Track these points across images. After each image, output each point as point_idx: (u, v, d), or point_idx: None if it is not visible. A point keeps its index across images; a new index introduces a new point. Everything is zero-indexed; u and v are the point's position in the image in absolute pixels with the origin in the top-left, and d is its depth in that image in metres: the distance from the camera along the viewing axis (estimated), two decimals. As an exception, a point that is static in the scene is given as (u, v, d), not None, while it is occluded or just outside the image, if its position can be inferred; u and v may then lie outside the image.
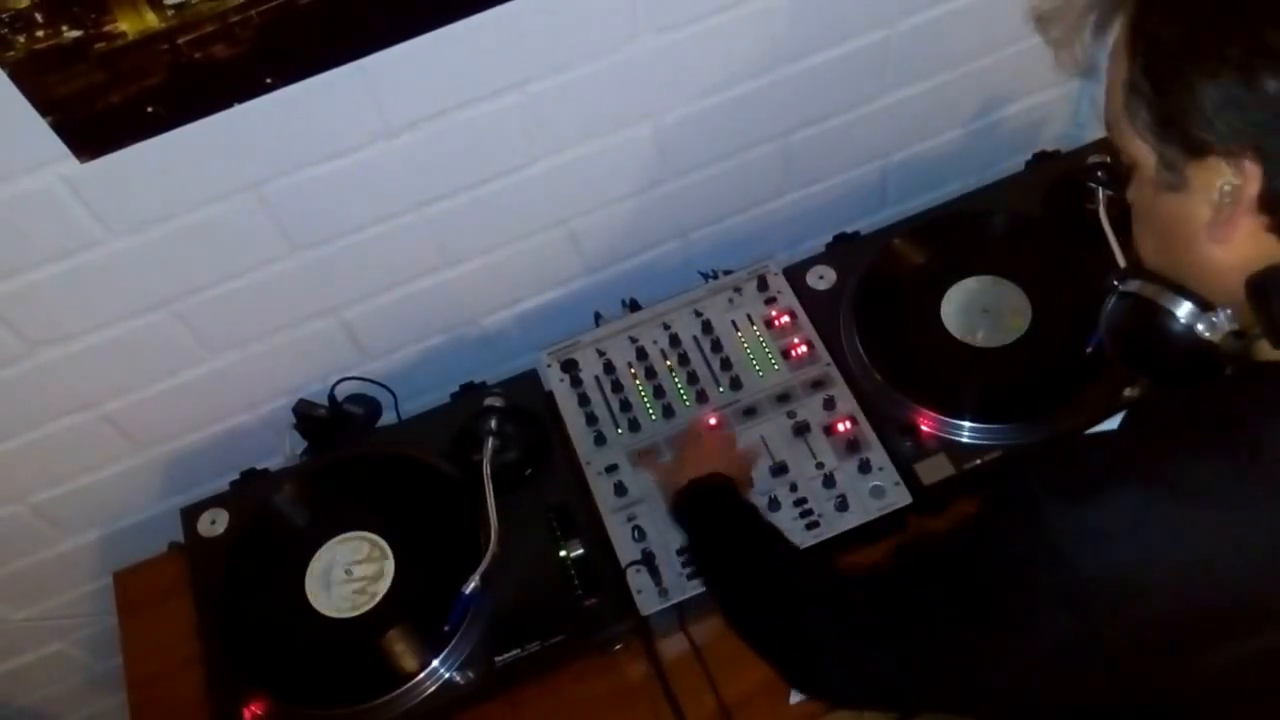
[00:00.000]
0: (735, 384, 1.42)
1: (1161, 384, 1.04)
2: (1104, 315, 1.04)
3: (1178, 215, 0.83)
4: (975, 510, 0.91)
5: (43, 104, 1.05)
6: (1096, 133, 1.66)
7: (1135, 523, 0.76)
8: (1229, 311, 0.89)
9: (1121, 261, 1.32)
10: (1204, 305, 0.91)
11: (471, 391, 1.51)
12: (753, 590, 1.13)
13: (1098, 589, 0.77)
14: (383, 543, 1.38)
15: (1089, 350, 1.26)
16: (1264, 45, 0.73)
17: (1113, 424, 0.83)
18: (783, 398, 1.40)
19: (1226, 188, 0.78)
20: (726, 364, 1.44)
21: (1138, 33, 0.80)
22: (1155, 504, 0.77)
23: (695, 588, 1.27)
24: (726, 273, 1.54)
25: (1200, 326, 0.91)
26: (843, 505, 1.31)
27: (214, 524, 1.44)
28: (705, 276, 1.56)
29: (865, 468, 1.33)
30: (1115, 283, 1.02)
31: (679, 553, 1.30)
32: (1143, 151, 0.83)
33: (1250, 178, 0.76)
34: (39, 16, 0.99)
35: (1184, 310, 0.92)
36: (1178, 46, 0.77)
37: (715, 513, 1.23)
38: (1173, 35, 0.77)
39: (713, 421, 1.39)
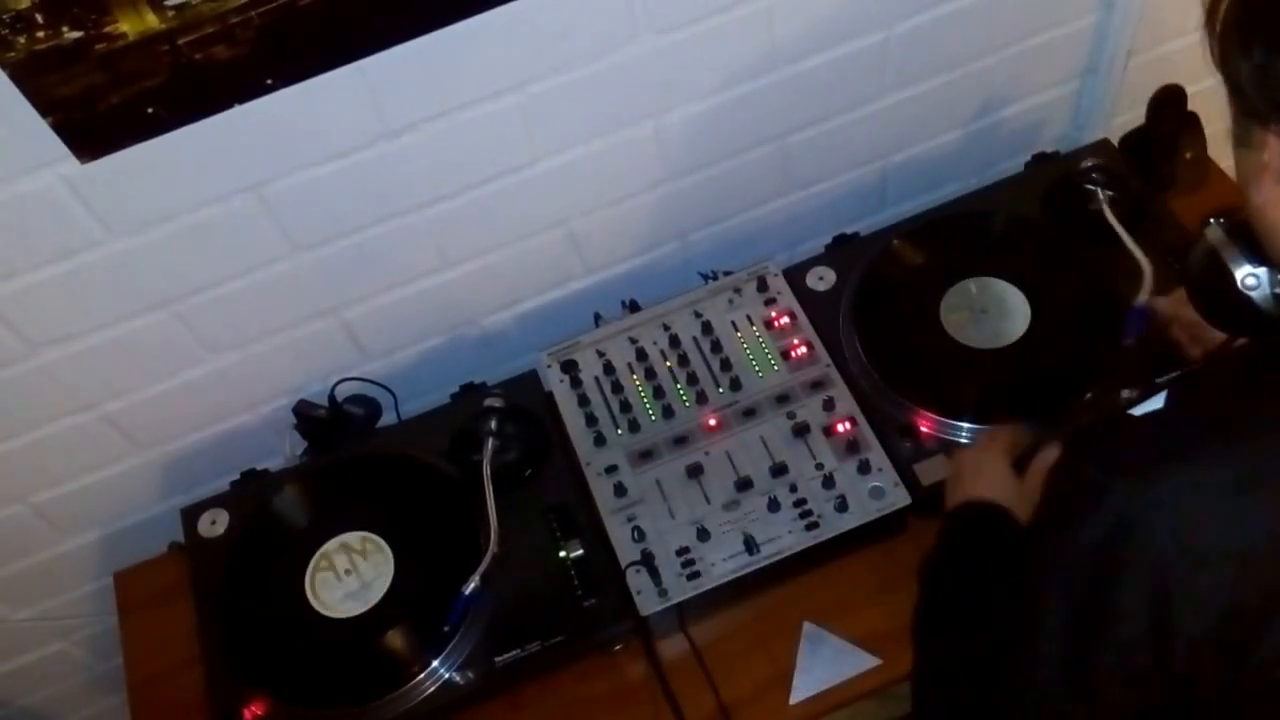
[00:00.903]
0: (735, 385, 1.42)
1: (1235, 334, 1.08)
2: (1190, 261, 1.08)
3: (1251, 171, 0.81)
4: (1040, 518, 0.89)
5: (43, 105, 1.05)
6: (1095, 134, 1.67)
7: (1204, 495, 0.75)
8: None
9: (1142, 261, 1.33)
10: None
11: (471, 392, 1.50)
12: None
13: (1173, 556, 0.74)
14: (383, 543, 1.38)
15: (1127, 342, 1.31)
16: None
17: (1157, 403, 0.82)
18: (782, 398, 1.40)
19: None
20: (726, 365, 1.44)
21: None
22: (1222, 478, 0.75)
23: (695, 588, 1.27)
24: (726, 273, 1.54)
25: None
26: (842, 506, 1.31)
27: (214, 524, 1.44)
28: (705, 277, 1.56)
29: (865, 468, 1.33)
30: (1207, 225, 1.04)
31: (678, 553, 1.30)
32: (1232, 114, 0.81)
33: None
34: (39, 17, 0.99)
35: (1244, 271, 0.97)
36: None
37: (979, 548, 1.12)
38: None
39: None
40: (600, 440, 1.41)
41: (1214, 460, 0.76)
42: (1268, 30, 0.74)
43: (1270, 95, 0.75)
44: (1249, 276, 0.98)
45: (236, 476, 1.50)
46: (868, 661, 1.30)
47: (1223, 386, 0.83)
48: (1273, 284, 0.96)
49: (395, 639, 1.31)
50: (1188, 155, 1.51)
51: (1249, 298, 0.98)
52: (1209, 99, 1.62)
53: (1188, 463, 0.76)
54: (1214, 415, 0.79)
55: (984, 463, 1.20)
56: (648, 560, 1.30)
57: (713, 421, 1.40)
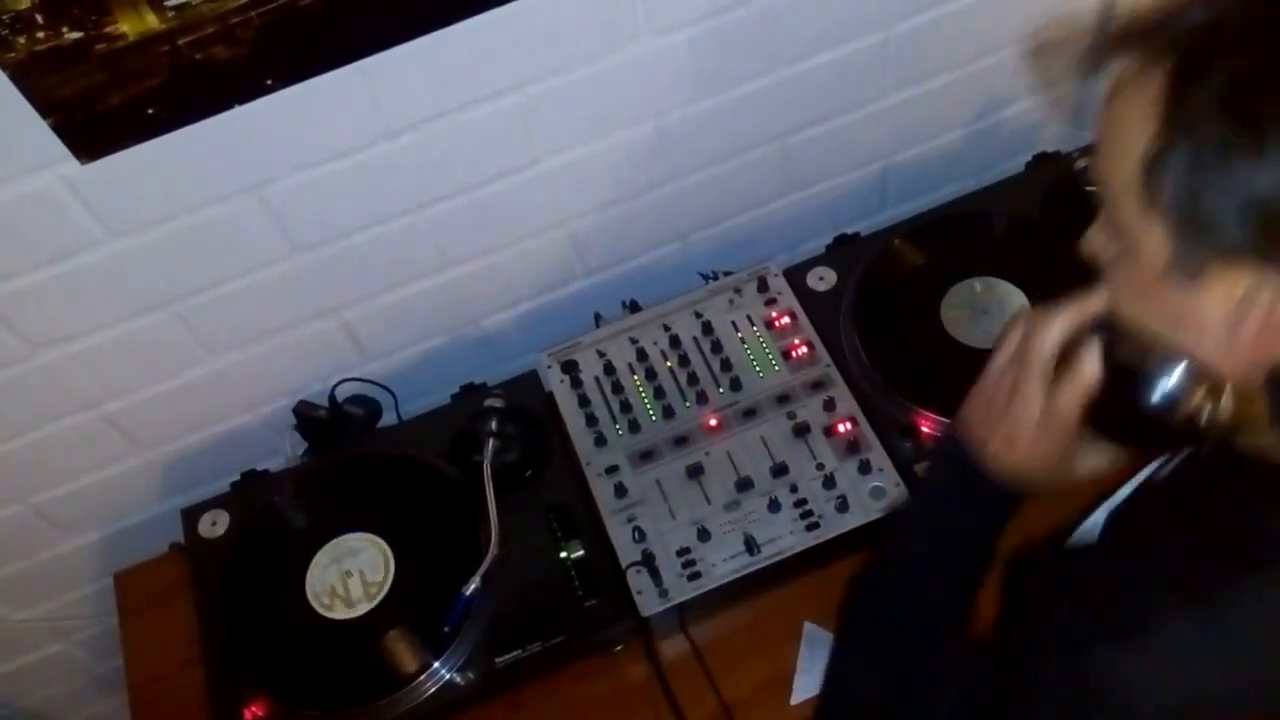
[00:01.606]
0: (735, 385, 1.42)
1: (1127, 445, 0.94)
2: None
3: (1185, 310, 0.74)
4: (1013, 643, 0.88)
5: (43, 105, 1.05)
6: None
7: (1181, 653, 0.75)
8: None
9: None
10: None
11: (472, 392, 1.50)
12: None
13: (1146, 712, 0.76)
14: (383, 543, 1.38)
15: None
16: None
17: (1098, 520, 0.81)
18: (783, 399, 1.40)
19: (1253, 296, 0.69)
20: (727, 365, 1.44)
21: (1180, 98, 0.68)
22: (1197, 632, 0.74)
23: (695, 588, 1.27)
24: (727, 274, 1.54)
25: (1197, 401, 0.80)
26: (843, 506, 1.31)
27: (214, 525, 1.44)
28: (705, 278, 1.56)
29: (865, 468, 1.33)
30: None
31: (678, 553, 1.30)
32: (1152, 235, 0.71)
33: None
34: (39, 18, 0.98)
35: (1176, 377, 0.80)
36: (1237, 127, 0.65)
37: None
38: (1233, 112, 0.65)
39: None
40: (601, 440, 1.40)
41: (1187, 613, 0.75)
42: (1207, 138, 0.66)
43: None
44: (1161, 389, 0.80)
45: (237, 477, 1.50)
46: (868, 662, 1.30)
47: (1164, 529, 0.82)
48: (1181, 391, 0.80)
49: (395, 640, 1.31)
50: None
51: (1163, 411, 0.81)
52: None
53: (1161, 618, 0.76)
54: (1167, 574, 0.79)
55: None
56: (648, 561, 1.30)
57: (713, 422, 1.40)
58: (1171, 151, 0.68)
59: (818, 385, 1.41)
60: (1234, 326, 0.72)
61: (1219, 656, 0.74)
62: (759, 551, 1.29)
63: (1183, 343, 0.77)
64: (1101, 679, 0.76)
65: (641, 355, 1.46)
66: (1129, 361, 0.83)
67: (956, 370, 1.39)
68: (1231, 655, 0.75)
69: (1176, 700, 0.75)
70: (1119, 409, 0.85)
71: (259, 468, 1.51)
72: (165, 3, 1.02)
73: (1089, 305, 0.88)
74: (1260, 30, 0.66)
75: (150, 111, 1.10)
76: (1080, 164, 1.50)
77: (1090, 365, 0.85)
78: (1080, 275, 0.87)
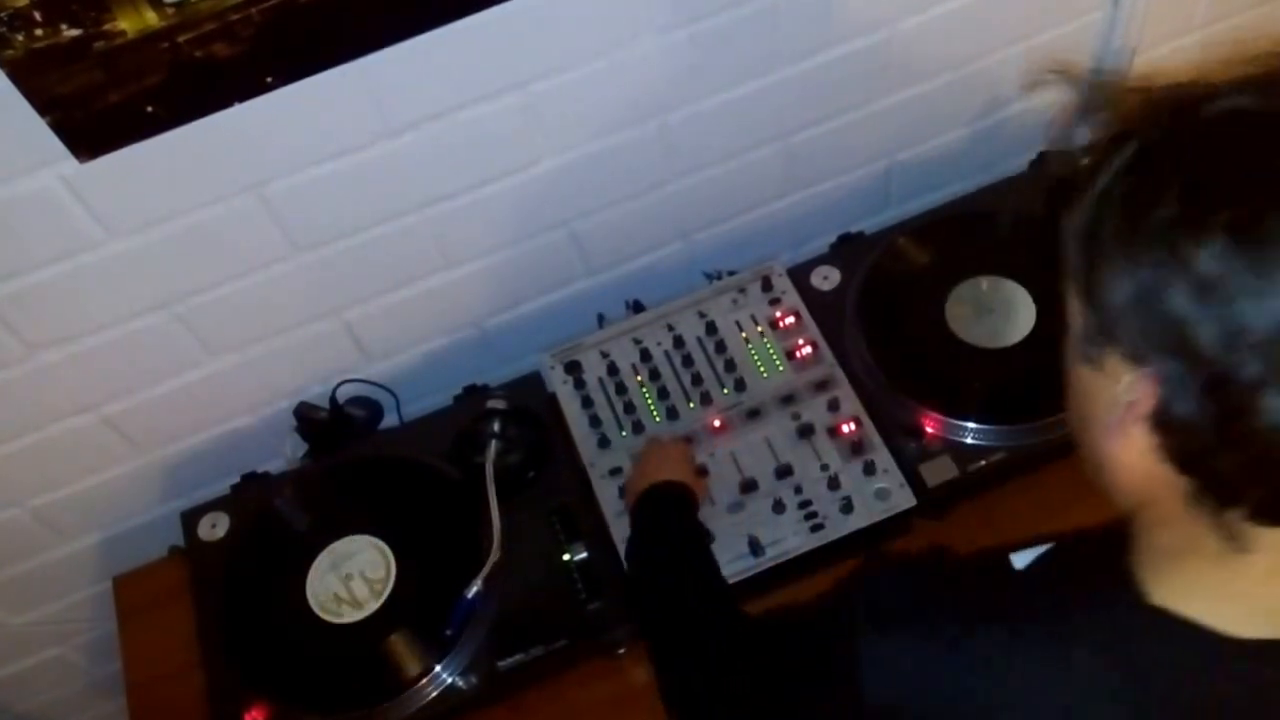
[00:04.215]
0: (739, 385, 1.42)
1: None
2: None
3: (1088, 392, 0.73)
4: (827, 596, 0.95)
5: (41, 103, 1.05)
6: (1100, 132, 1.66)
7: (914, 663, 0.79)
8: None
9: None
10: None
11: (474, 394, 1.50)
12: (672, 608, 1.14)
13: (872, 711, 0.81)
14: (384, 546, 1.37)
15: None
16: (1177, 253, 0.60)
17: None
18: (787, 399, 1.40)
19: (1124, 390, 0.67)
20: (730, 365, 1.43)
21: (1098, 177, 0.69)
22: (933, 650, 0.78)
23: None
24: (730, 273, 1.53)
25: None
26: (847, 507, 1.30)
27: (214, 528, 1.43)
28: (709, 277, 1.56)
29: (870, 469, 1.32)
30: None
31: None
32: (1074, 306, 0.72)
33: (1144, 391, 0.65)
34: (38, 15, 0.98)
35: None
36: (1110, 219, 0.65)
37: (668, 524, 1.23)
38: (1114, 197, 0.66)
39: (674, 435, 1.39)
40: (604, 442, 1.40)
41: (945, 632, 0.78)
42: (1158, 255, 0.63)
43: (1149, 330, 0.64)
44: None
45: (237, 479, 1.49)
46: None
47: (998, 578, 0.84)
48: None
49: (397, 643, 1.30)
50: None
51: None
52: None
53: (915, 627, 0.80)
54: (968, 596, 0.82)
55: (670, 451, 1.31)
56: (652, 563, 1.29)
57: (717, 423, 1.39)
58: (1080, 227, 0.68)
59: (822, 386, 1.40)
60: (1115, 425, 0.70)
61: (934, 679, 0.78)
62: (763, 553, 1.29)
63: (1086, 441, 0.76)
64: (856, 652, 0.81)
65: (645, 356, 1.46)
66: None
67: (961, 370, 1.40)
68: (963, 675, 0.77)
69: (891, 701, 0.79)
70: None
71: (259, 470, 1.50)
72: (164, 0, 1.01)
73: None
74: (1166, 150, 0.65)
75: (149, 110, 1.10)
76: (1084, 162, 1.49)
77: None
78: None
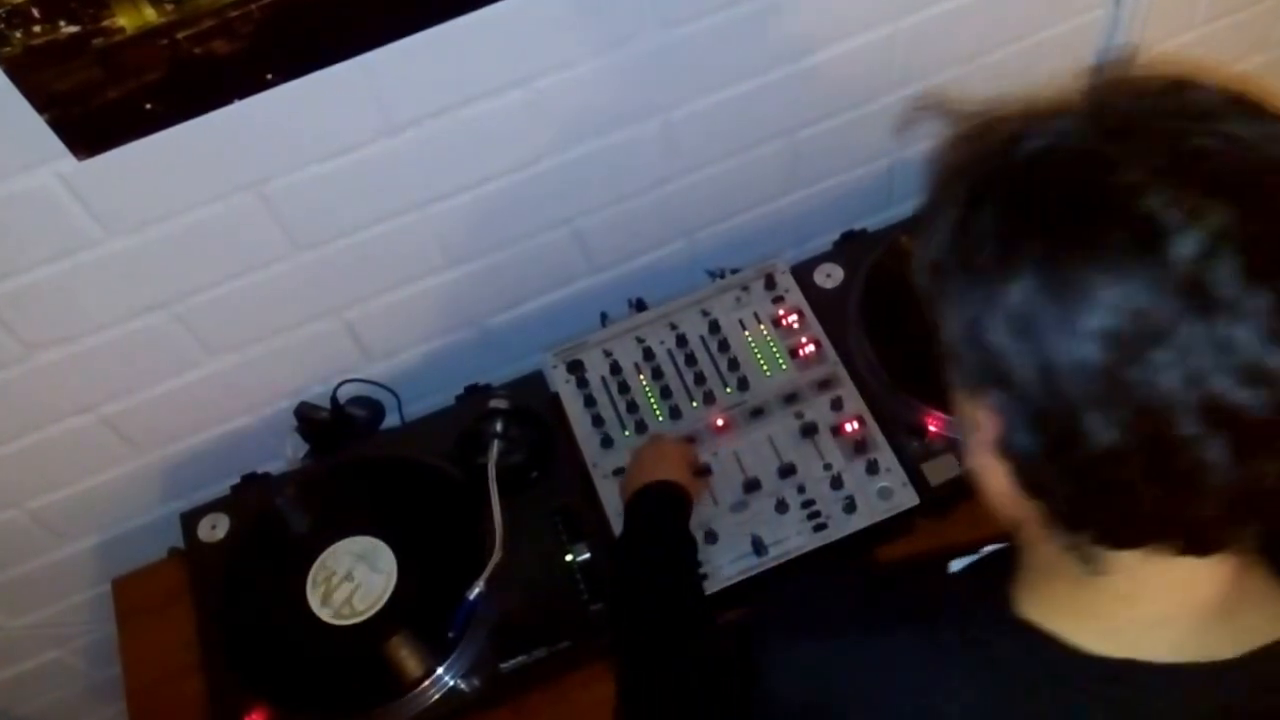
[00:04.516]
0: (742, 384, 1.41)
1: None
2: None
3: (959, 416, 0.75)
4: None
5: (39, 101, 1.04)
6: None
7: (817, 665, 0.83)
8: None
9: None
10: None
11: (476, 393, 1.49)
12: (647, 608, 1.15)
13: (780, 709, 0.85)
14: (386, 547, 1.36)
15: None
16: (992, 290, 0.62)
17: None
18: (790, 398, 1.39)
19: (974, 419, 0.69)
20: (734, 364, 1.42)
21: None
22: (834, 659, 0.82)
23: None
24: (733, 271, 1.52)
25: None
26: (851, 506, 1.30)
27: (214, 529, 1.42)
28: (712, 275, 1.55)
29: (873, 469, 1.32)
30: None
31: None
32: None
33: (987, 421, 0.67)
34: (36, 11, 0.97)
35: None
36: (944, 254, 0.67)
37: (661, 524, 1.23)
38: (947, 233, 0.67)
39: (679, 434, 1.39)
40: (607, 441, 1.39)
41: (831, 641, 0.82)
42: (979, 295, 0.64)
43: (976, 364, 0.66)
44: None
45: (237, 480, 1.48)
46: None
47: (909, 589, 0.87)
48: None
49: (399, 646, 1.30)
50: (1199, 149, 1.48)
51: None
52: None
53: (820, 633, 0.84)
54: (876, 607, 0.85)
55: (668, 450, 1.31)
56: (655, 563, 1.28)
57: (720, 422, 1.38)
58: (923, 261, 0.70)
59: (825, 384, 1.40)
60: (971, 452, 0.72)
61: (851, 674, 0.81)
62: (766, 553, 1.28)
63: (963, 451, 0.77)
64: (767, 654, 0.85)
65: (648, 354, 1.45)
66: None
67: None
68: (857, 675, 0.80)
69: (798, 700, 0.83)
70: None
71: (260, 471, 1.49)
72: (163, -5, 1.01)
73: None
74: (986, 188, 0.66)
75: (148, 107, 1.09)
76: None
77: None
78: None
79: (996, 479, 0.70)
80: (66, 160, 1.10)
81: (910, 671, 0.77)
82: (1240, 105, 0.63)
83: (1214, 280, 0.57)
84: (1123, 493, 0.63)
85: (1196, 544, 0.66)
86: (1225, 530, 0.65)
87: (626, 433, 1.40)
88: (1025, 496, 0.69)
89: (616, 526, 1.32)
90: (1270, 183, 0.60)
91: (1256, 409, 0.58)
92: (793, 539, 1.29)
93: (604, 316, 1.54)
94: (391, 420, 1.56)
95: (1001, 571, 0.78)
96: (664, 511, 1.24)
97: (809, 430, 1.36)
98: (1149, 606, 0.71)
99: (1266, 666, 0.69)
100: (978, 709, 0.74)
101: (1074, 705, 0.72)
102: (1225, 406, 0.58)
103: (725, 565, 1.28)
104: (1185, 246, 0.57)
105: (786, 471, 1.33)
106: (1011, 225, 0.63)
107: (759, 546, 1.28)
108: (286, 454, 1.53)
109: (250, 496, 1.45)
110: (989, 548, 0.84)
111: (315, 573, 1.36)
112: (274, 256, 1.32)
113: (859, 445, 1.34)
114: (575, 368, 1.45)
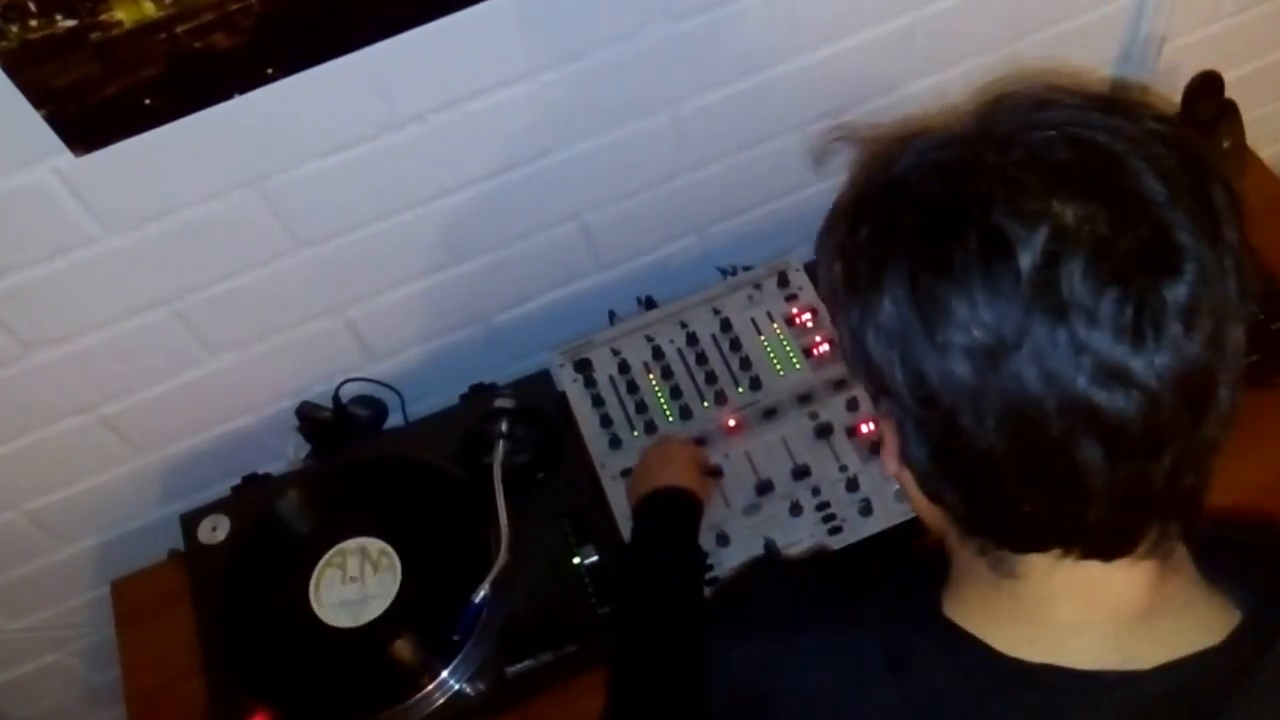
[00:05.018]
0: (755, 384, 1.39)
1: None
2: None
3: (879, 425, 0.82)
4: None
5: (36, 96, 1.04)
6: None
7: (744, 666, 0.86)
8: None
9: None
10: None
11: (481, 393, 1.48)
12: (650, 612, 1.15)
13: (716, 705, 0.89)
14: (389, 549, 1.36)
15: None
16: (869, 304, 0.66)
17: None
18: (805, 398, 1.38)
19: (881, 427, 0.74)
20: (746, 363, 1.41)
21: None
22: (761, 658, 0.85)
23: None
24: (746, 269, 1.52)
25: None
26: (867, 509, 1.28)
27: (215, 530, 1.42)
28: (724, 273, 1.54)
29: (890, 470, 1.30)
30: None
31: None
32: None
33: (888, 430, 0.71)
34: (32, 5, 0.97)
35: None
36: (837, 268, 0.71)
37: (672, 530, 1.23)
38: (838, 248, 0.71)
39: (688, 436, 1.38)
40: (615, 442, 1.38)
41: (775, 639, 0.85)
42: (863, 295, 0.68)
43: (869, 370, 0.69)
44: None
45: (238, 481, 1.48)
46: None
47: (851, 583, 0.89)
48: None
49: (403, 649, 1.29)
50: (1226, 144, 1.48)
51: None
52: (1248, 85, 1.60)
53: (755, 638, 0.87)
54: (818, 600, 0.88)
55: (678, 452, 1.30)
56: (666, 567, 1.27)
57: (732, 422, 1.37)
58: (824, 276, 0.74)
59: (840, 384, 1.38)
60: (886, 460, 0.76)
61: (769, 681, 0.84)
62: (780, 556, 1.27)
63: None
64: (713, 647, 0.89)
65: (658, 354, 1.44)
66: None
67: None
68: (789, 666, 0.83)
69: (745, 693, 0.86)
70: None
71: (261, 471, 1.49)
72: (162, -12, 1.00)
73: None
74: (869, 205, 0.69)
75: (147, 102, 1.09)
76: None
77: None
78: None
79: (910, 487, 0.73)
80: (64, 156, 1.10)
81: (830, 671, 0.80)
82: (1101, 108, 0.65)
83: (1064, 284, 0.59)
84: (1007, 496, 0.66)
85: (1095, 548, 0.68)
86: (1121, 533, 0.67)
87: (635, 433, 1.38)
88: (931, 503, 0.72)
89: (625, 528, 1.31)
90: (1123, 185, 0.61)
91: (1120, 409, 0.60)
92: (807, 542, 1.28)
93: (612, 315, 1.54)
94: (395, 420, 1.56)
95: (935, 573, 0.79)
96: (674, 516, 1.23)
97: (824, 431, 1.34)
98: (1065, 611, 0.72)
99: (1184, 678, 0.70)
100: (895, 710, 0.76)
101: (992, 710, 0.73)
102: (1089, 409, 0.60)
103: (738, 568, 1.26)
104: (1031, 254, 0.59)
105: (801, 473, 1.32)
106: (881, 244, 0.66)
107: (772, 550, 1.27)
108: (288, 454, 1.52)
109: (251, 497, 1.45)
110: None
111: (318, 575, 1.35)
112: (275, 253, 1.32)
113: (875, 447, 1.32)
114: (583, 367, 1.44)
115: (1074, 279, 0.59)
